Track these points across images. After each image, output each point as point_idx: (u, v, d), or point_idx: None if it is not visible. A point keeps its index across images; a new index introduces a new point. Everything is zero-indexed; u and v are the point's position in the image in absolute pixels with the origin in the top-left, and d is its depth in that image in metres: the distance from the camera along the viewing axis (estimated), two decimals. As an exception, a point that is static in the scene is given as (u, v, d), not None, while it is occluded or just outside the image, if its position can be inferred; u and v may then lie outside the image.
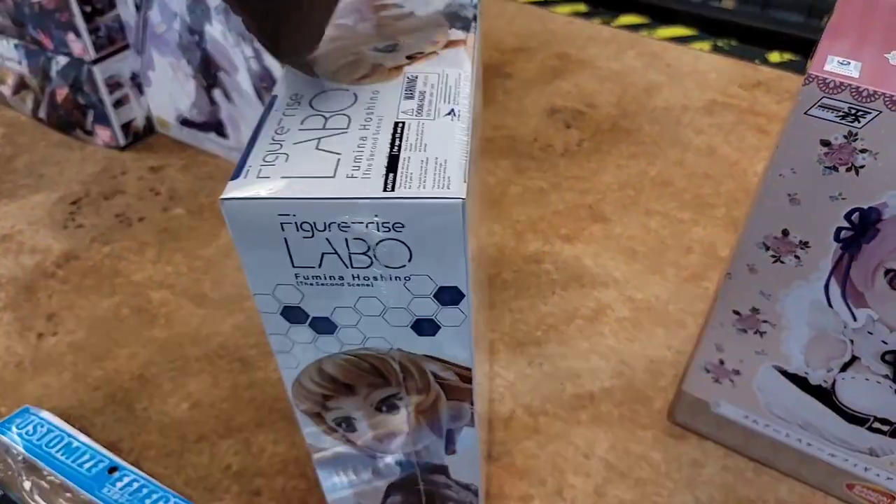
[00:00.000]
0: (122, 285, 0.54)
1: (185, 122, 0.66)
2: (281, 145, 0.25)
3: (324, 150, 0.25)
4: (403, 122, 0.26)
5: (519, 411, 0.46)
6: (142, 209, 0.61)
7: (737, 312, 0.37)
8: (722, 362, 0.39)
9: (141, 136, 0.68)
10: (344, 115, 0.26)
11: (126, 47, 0.63)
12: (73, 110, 0.66)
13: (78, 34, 0.59)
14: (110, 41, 0.61)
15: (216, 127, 0.64)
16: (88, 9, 0.58)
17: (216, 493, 0.41)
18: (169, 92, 0.65)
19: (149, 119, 0.68)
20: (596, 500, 0.41)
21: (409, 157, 0.24)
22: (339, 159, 0.24)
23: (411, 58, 0.29)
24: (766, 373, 0.38)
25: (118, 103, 0.65)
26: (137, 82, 0.65)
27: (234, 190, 0.23)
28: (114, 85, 0.63)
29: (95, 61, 0.61)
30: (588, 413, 0.45)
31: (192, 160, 0.67)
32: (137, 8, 0.60)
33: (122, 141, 0.67)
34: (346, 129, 0.26)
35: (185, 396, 0.46)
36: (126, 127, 0.66)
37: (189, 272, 0.55)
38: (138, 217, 0.60)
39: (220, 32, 0.56)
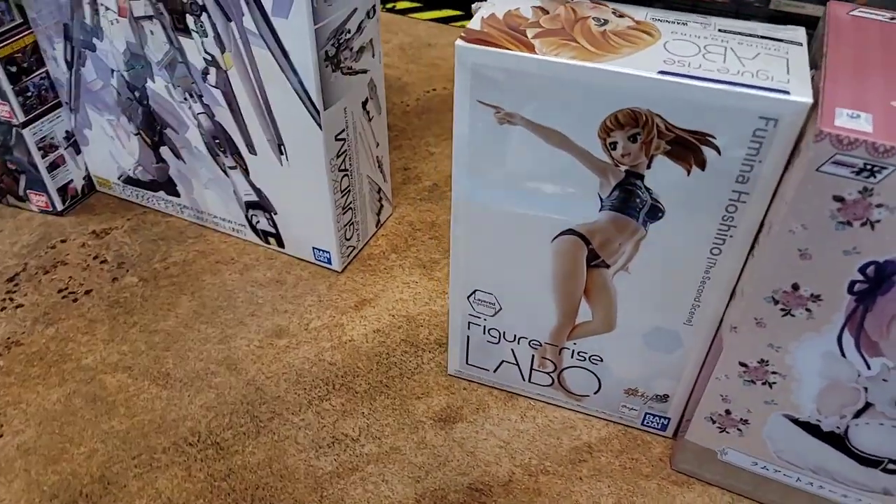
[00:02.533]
0: (73, 371, 0.49)
1: (130, 181, 0.61)
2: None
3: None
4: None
5: (518, 473, 0.43)
6: (88, 281, 0.56)
7: (743, 364, 0.36)
8: (728, 412, 0.38)
9: (80, 198, 0.63)
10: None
11: (58, 106, 0.58)
12: (2, 176, 0.60)
13: (3, 97, 0.54)
14: (41, 101, 0.56)
15: (165, 185, 0.60)
16: (13, 69, 0.53)
17: None
18: (109, 150, 0.60)
19: (88, 179, 0.63)
20: (612, 567, 0.39)
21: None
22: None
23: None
24: (776, 421, 0.37)
25: (53, 166, 0.59)
26: (73, 142, 0.60)
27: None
28: (47, 147, 0.58)
29: (25, 124, 0.56)
30: (588, 466, 0.44)
31: (139, 221, 0.62)
32: (69, 65, 0.55)
33: (59, 205, 0.61)
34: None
35: (154, 496, 0.42)
36: (63, 190, 0.61)
37: (148, 349, 0.51)
38: (84, 290, 0.55)
39: (164, 88, 0.52)
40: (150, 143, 0.57)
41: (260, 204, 0.56)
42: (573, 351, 0.43)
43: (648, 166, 0.33)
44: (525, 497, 0.42)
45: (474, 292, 0.43)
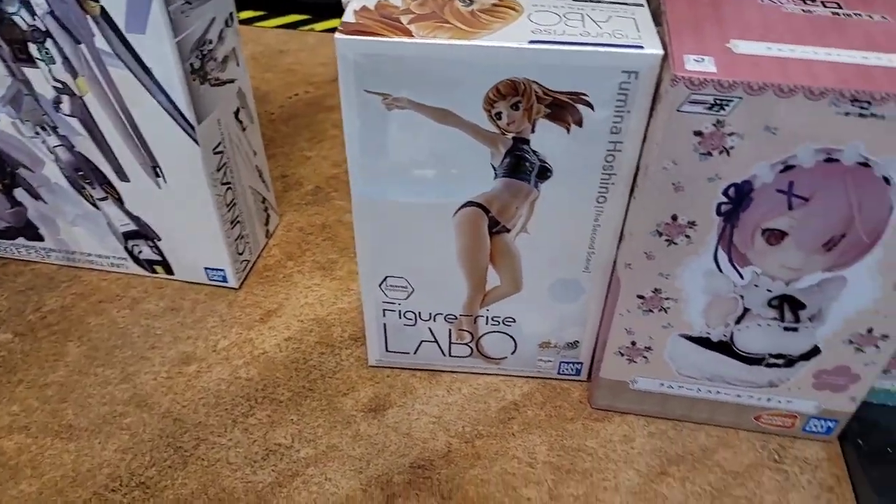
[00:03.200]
0: (-42, 445, 0.44)
1: (-19, 231, 0.56)
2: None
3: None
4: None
5: (455, 442, 0.45)
6: (-48, 346, 0.50)
7: (640, 297, 0.40)
8: (634, 344, 0.42)
9: (-78, 259, 0.57)
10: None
11: None
12: None
13: None
14: None
15: (24, 230, 0.55)
16: None
17: None
18: (-50, 201, 0.54)
19: (-73, 237, 0.57)
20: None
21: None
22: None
23: None
24: (674, 342, 0.41)
25: None
26: None
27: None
28: None
29: None
30: (517, 422, 0.46)
31: (0, 274, 0.56)
32: None
33: None
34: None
35: (86, 551, 0.39)
36: None
37: (41, 405, 0.47)
38: (-49, 357, 0.50)
39: (11, 125, 0.48)
40: (1, 187, 0.52)
41: (140, 233, 0.53)
42: (487, 317, 0.45)
43: (532, 130, 0.35)
44: (466, 463, 0.44)
45: (385, 279, 0.44)
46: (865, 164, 0.32)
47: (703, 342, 0.41)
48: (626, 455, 0.44)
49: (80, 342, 0.51)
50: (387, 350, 0.48)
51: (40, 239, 0.56)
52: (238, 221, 0.54)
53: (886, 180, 0.32)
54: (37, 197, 0.53)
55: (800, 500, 0.42)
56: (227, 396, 0.48)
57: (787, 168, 0.32)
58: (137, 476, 0.43)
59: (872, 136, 0.31)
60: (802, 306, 0.38)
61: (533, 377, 0.49)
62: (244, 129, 0.53)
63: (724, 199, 0.34)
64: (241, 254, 0.55)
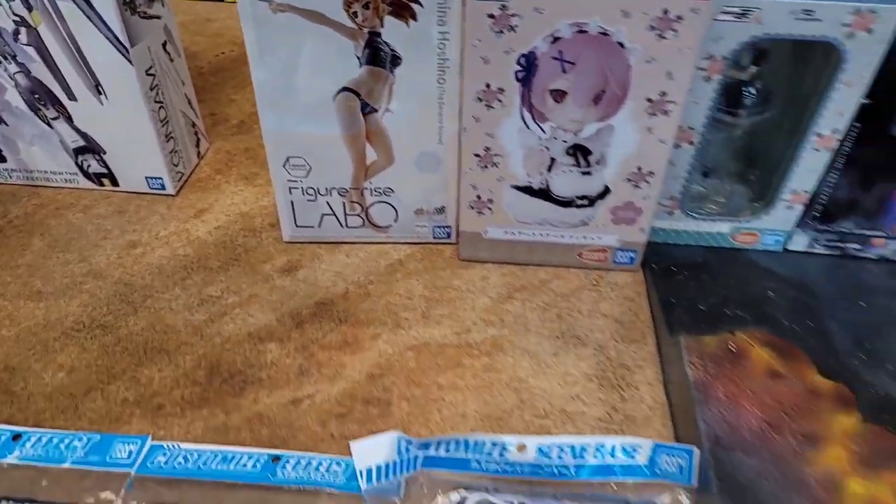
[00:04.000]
0: (-53, 307, 0.55)
1: (-51, 155, 0.66)
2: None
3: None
4: None
5: (351, 287, 0.58)
6: (-67, 243, 0.61)
7: (477, 155, 0.53)
8: (479, 197, 0.56)
9: None
10: None
11: None
12: None
13: None
14: None
15: (-11, 151, 0.65)
16: None
17: (122, 421, 0.47)
18: (-78, 128, 0.64)
19: None
20: (425, 320, 0.55)
21: None
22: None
23: None
24: (508, 192, 0.55)
25: None
26: None
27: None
28: None
29: None
30: (401, 273, 0.59)
31: (-33, 191, 0.67)
32: None
33: None
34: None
35: (58, 367, 0.50)
36: None
37: (13, 279, 0.57)
38: (-67, 250, 0.60)
39: (-24, 53, 0.59)
40: (-33, 113, 0.63)
41: (88, 147, 0.64)
42: (371, 189, 0.58)
43: (382, 25, 0.48)
44: (359, 300, 0.57)
45: (288, 160, 0.56)
46: (605, 34, 0.46)
47: (528, 191, 0.55)
48: (483, 287, 0.58)
49: (43, 237, 0.62)
50: (296, 226, 0.61)
51: (3, 160, 0.66)
52: (172, 137, 0.65)
53: (621, 45, 0.46)
54: (0, 121, 0.63)
55: (608, 307, 0.56)
56: (169, 268, 0.59)
57: (556, 39, 0.46)
58: (97, 321, 0.54)
59: (605, 12, 0.45)
60: (590, 152, 0.52)
61: (414, 243, 0.62)
62: (172, 61, 0.65)
63: (518, 68, 0.48)
64: (176, 165, 0.67)
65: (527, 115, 0.50)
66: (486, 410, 0.48)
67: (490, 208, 0.56)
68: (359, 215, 0.60)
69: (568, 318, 0.55)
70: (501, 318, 0.55)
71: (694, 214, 0.59)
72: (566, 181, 0.54)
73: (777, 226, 0.58)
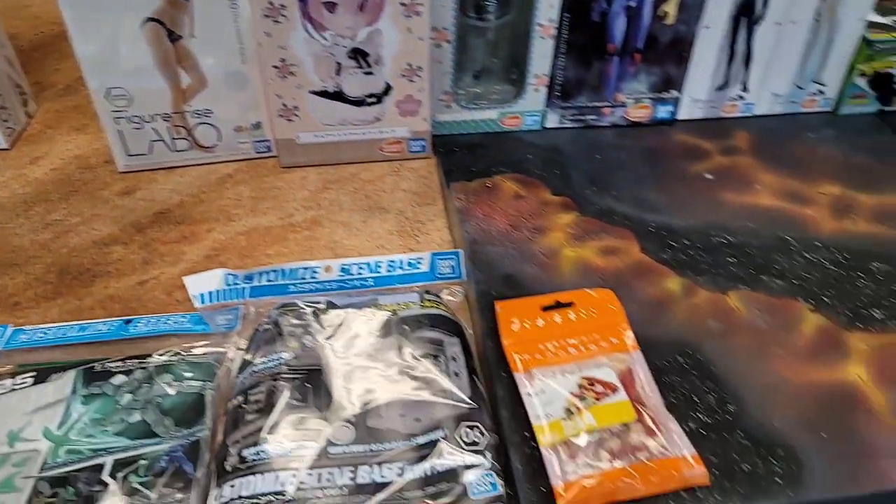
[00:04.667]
0: None
1: None
2: None
3: None
4: None
5: (186, 198, 0.66)
6: None
7: (275, 67, 0.63)
8: (285, 105, 0.66)
9: None
10: None
11: None
12: None
13: None
14: None
15: None
16: None
17: None
18: None
19: None
20: (253, 213, 0.64)
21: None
22: None
23: None
24: (310, 99, 0.66)
25: None
26: None
27: None
28: None
29: None
30: (230, 182, 0.69)
31: None
32: None
33: None
34: None
35: (-88, 289, 0.55)
36: None
37: None
38: None
39: None
40: None
41: (-89, 110, 0.68)
42: (191, 112, 0.67)
43: (172, -42, 0.58)
44: (194, 207, 0.65)
45: (109, 91, 0.64)
46: (356, -50, 0.58)
47: (326, 94, 0.66)
48: (302, 184, 0.69)
49: None
50: (128, 155, 0.68)
51: None
52: (-3, 94, 0.70)
53: (370, -42, 0.58)
54: None
55: (407, 185, 0.69)
56: (10, 205, 0.65)
57: (318, -42, 0.58)
58: (-56, 252, 0.59)
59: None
60: (367, 54, 0.64)
61: (241, 159, 0.71)
62: (-13, 23, 0.70)
63: (293, -16, 0.59)
64: (6, 121, 0.72)
65: (308, 26, 0.61)
66: (308, 266, 0.59)
67: (297, 115, 0.67)
68: (185, 138, 0.68)
69: (374, 197, 0.67)
70: (319, 203, 0.66)
71: (468, 106, 0.72)
72: (354, 82, 0.65)
73: (532, 107, 0.73)
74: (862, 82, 0.76)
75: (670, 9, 0.68)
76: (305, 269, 0.52)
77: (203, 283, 0.49)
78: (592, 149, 0.72)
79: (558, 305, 0.47)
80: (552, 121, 0.75)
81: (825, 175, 0.68)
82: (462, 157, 0.70)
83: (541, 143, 0.73)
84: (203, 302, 0.49)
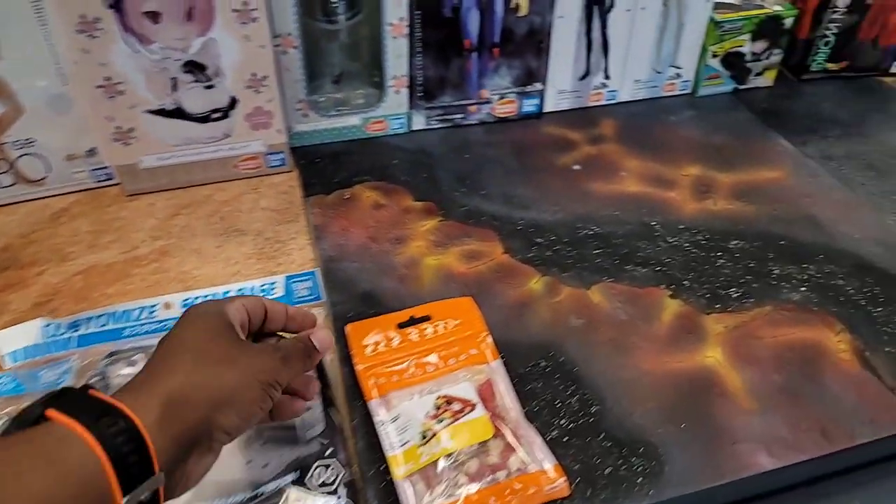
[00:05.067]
0: None
1: None
2: None
3: None
4: None
5: (14, 240, 0.59)
6: None
7: (99, 86, 0.58)
8: (119, 128, 0.60)
9: None
10: None
11: None
12: None
13: None
14: None
15: None
16: None
17: None
18: None
19: None
20: (92, 249, 0.58)
21: None
22: None
23: None
24: (145, 118, 0.60)
25: None
26: None
27: None
28: None
29: None
30: (67, 216, 0.62)
31: None
32: None
33: None
34: None
35: None
36: None
37: None
38: None
39: None
40: None
41: None
42: (11, 143, 0.60)
43: (-41, -27, 0.51)
44: (21, 250, 0.59)
45: None
46: (172, -46, 0.53)
47: (164, 113, 0.61)
48: (150, 212, 0.63)
49: None
50: (-57, 196, 0.60)
51: None
52: None
53: (190, -37, 0.54)
54: None
55: (266, 203, 0.64)
56: None
57: (131, -35, 0.52)
58: None
59: (169, -64, 0.52)
60: (205, 67, 0.59)
61: (78, 191, 0.65)
62: None
63: (105, -5, 0.53)
64: None
65: (131, 40, 0.56)
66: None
67: (135, 137, 0.61)
68: (8, 173, 0.61)
69: (230, 219, 0.63)
70: (168, 231, 0.61)
71: (328, 114, 0.69)
72: (195, 97, 0.61)
73: (395, 111, 0.71)
74: (715, 63, 0.77)
75: (521, 0, 0.67)
76: (141, 308, 0.47)
77: (15, 339, 0.44)
78: (461, 148, 0.70)
79: (414, 321, 0.45)
80: (418, 123, 0.73)
81: (687, 157, 0.69)
82: (324, 169, 0.66)
83: (408, 147, 0.70)
84: (16, 360, 0.43)
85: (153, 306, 0.47)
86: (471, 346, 0.44)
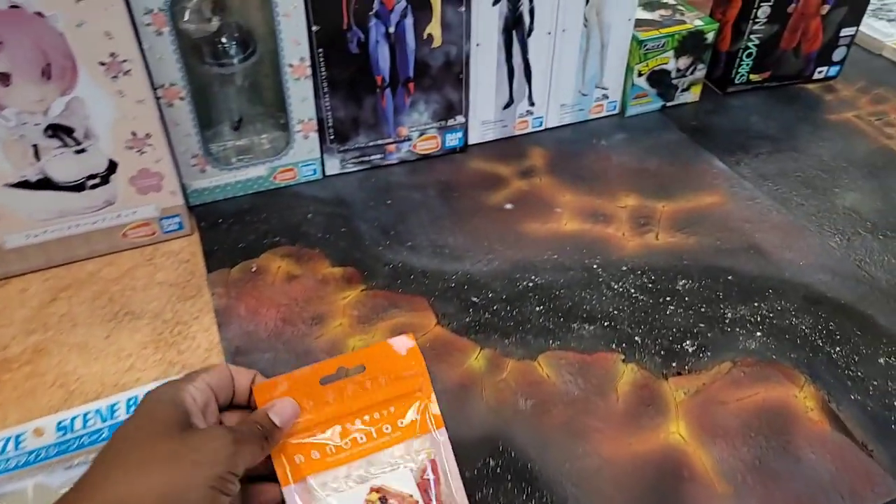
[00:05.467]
0: None
1: None
2: None
3: None
4: None
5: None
6: None
7: (-56, 162, 0.48)
8: (-26, 206, 0.51)
9: None
10: None
11: None
12: None
13: None
14: None
15: None
16: None
17: None
18: None
19: None
20: (-50, 354, 0.49)
21: None
22: None
23: None
24: (6, 193, 0.51)
25: None
26: None
27: None
28: None
29: None
30: (-76, 318, 0.52)
31: None
32: None
33: None
34: None
35: None
36: None
37: None
38: None
39: None
40: None
41: None
42: None
43: None
44: None
45: None
46: (16, 6, 0.44)
47: (28, 185, 0.52)
48: (21, 299, 0.54)
49: None
50: None
51: None
52: None
53: (40, 14, 0.45)
54: None
55: (164, 276, 0.56)
56: None
57: (-36, 20, 0.44)
58: None
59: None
60: (71, 130, 0.51)
61: (-67, 279, 0.55)
62: None
63: (-65, 57, 0.44)
64: None
65: (-23, 107, 0.47)
66: (30, 416, 0.45)
67: (-7, 216, 0.52)
68: None
69: (121, 299, 0.54)
70: (45, 322, 0.52)
71: (228, 167, 0.61)
72: (64, 165, 0.52)
73: (305, 157, 0.64)
74: (642, 81, 0.74)
75: (434, 30, 0.61)
76: (7, 439, 0.38)
77: None
78: (382, 192, 0.64)
79: (343, 374, 0.38)
80: (332, 167, 0.66)
81: (622, 186, 0.65)
82: (228, 231, 0.58)
83: (323, 196, 0.63)
84: None
85: (19, 435, 0.39)
86: (410, 404, 0.37)
